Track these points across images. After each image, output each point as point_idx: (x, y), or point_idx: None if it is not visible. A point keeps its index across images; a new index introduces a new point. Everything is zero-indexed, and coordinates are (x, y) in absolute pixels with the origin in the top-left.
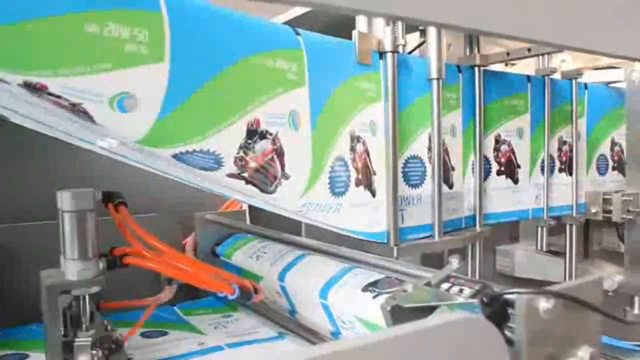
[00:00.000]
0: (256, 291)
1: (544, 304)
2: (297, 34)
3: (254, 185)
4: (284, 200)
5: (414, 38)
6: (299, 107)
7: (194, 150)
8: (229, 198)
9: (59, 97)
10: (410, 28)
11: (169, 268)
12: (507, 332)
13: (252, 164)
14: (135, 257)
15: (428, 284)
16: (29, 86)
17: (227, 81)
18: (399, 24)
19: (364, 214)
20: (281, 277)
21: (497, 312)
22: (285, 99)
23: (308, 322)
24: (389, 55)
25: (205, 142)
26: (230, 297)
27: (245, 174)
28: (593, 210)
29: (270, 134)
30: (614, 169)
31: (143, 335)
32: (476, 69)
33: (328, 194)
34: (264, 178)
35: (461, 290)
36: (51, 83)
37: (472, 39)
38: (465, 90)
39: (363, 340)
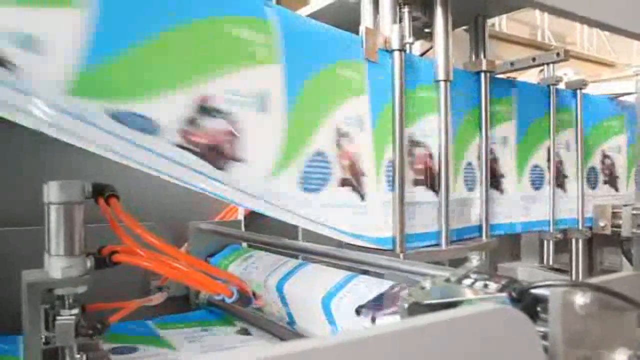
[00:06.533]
0: (255, 295)
1: (580, 298)
2: (266, 5)
3: (206, 160)
4: (241, 181)
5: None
6: (271, 87)
7: (131, 112)
8: (222, 206)
9: None
10: (416, 33)
11: (162, 266)
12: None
13: (201, 140)
14: (126, 255)
15: (447, 281)
16: None
17: (175, 43)
18: (406, 22)
19: (347, 216)
20: (279, 287)
21: (526, 308)
22: (250, 75)
23: (308, 332)
24: (396, 54)
25: (142, 105)
26: (228, 299)
27: (196, 148)
28: (601, 225)
29: (227, 113)
30: (605, 182)
31: (113, 351)
32: (482, 74)
33: (296, 187)
34: (217, 155)
35: (486, 285)
36: None
37: (477, 44)
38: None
39: (395, 327)
